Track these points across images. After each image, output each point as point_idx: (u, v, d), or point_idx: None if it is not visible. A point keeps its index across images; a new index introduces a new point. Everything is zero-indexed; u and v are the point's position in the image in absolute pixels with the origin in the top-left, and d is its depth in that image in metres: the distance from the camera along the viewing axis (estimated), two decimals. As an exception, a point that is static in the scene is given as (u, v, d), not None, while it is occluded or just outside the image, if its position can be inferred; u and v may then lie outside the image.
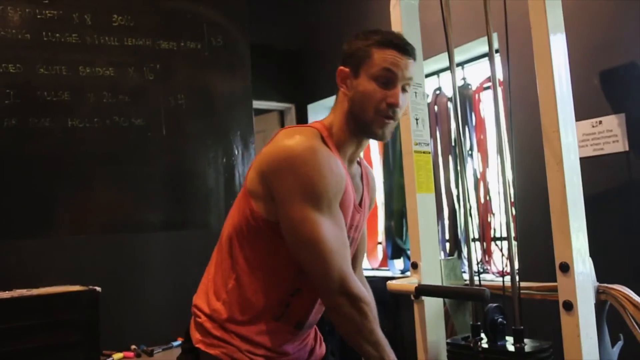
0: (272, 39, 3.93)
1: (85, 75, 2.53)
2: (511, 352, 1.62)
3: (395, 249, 3.30)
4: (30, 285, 2.27)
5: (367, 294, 1.26)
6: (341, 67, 1.35)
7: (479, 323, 1.79)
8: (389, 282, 1.86)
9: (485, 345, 1.69)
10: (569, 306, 1.50)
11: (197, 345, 1.32)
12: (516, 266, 1.73)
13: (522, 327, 1.63)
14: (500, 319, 1.68)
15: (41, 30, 2.44)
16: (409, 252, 3.00)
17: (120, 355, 2.33)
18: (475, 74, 3.05)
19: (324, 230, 1.21)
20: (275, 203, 1.24)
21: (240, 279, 1.30)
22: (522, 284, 1.79)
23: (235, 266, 1.31)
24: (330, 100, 3.89)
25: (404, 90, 1.32)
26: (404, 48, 1.31)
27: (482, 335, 1.77)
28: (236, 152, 2.90)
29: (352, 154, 1.38)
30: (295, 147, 1.22)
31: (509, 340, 1.68)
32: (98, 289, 2.27)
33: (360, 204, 1.40)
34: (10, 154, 2.38)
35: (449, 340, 1.84)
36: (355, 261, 1.54)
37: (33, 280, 2.29)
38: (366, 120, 1.30)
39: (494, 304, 1.71)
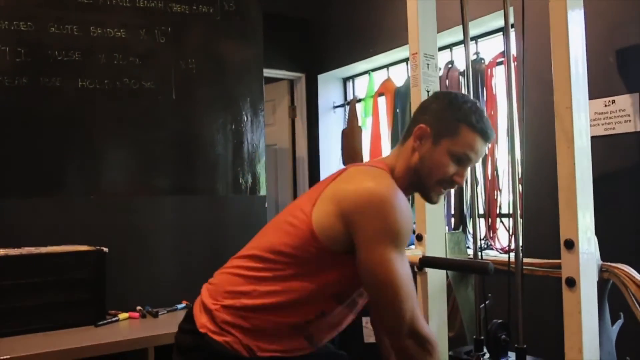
0: (285, 7, 3.88)
1: (97, 35, 2.51)
2: None
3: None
4: (38, 244, 2.30)
5: (433, 335, 1.31)
6: (423, 125, 1.37)
7: (482, 338, 1.81)
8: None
9: None
10: (572, 282, 1.51)
11: (202, 330, 1.32)
12: (520, 243, 1.73)
13: (525, 346, 1.65)
14: (503, 336, 1.70)
15: (53, -12, 2.43)
16: (414, 226, 3.00)
17: (125, 315, 2.37)
18: (489, 48, 3.01)
19: (402, 273, 1.25)
20: (355, 239, 1.26)
21: (278, 290, 1.31)
22: (526, 260, 1.80)
23: (275, 278, 1.31)
24: (340, 71, 3.88)
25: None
26: (489, 137, 1.36)
27: (485, 350, 1.78)
28: (245, 119, 2.89)
29: None
30: (381, 190, 1.26)
31: (511, 356, 1.70)
32: (105, 249, 2.30)
33: None
34: (21, 112, 2.39)
35: (451, 353, 1.86)
36: None
37: (42, 239, 2.32)
38: (427, 185, 1.37)
39: (498, 321, 1.72)
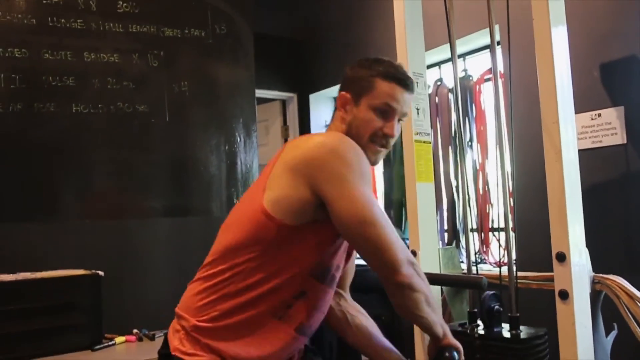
0: (276, 28, 3.93)
1: (90, 61, 2.54)
2: (507, 338, 1.65)
3: (395, 239, 3.31)
4: (34, 269, 2.29)
5: None
6: (342, 92, 1.40)
7: (475, 310, 1.82)
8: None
9: (481, 332, 1.72)
10: (565, 295, 1.52)
11: (174, 353, 1.29)
12: (514, 256, 1.75)
13: (518, 315, 1.67)
14: (496, 307, 1.71)
15: (46, 15, 2.46)
16: (408, 242, 3.02)
17: (122, 338, 2.36)
18: (477, 65, 3.06)
19: (378, 207, 1.26)
20: (323, 195, 1.24)
21: (250, 283, 1.29)
22: (519, 274, 1.82)
23: (243, 273, 1.29)
24: (332, 91, 3.92)
25: (398, 121, 1.39)
26: (405, 83, 1.37)
27: (479, 322, 1.80)
28: (238, 140, 2.92)
29: None
30: (331, 138, 1.29)
31: (505, 327, 1.72)
32: (101, 273, 2.30)
33: None
34: (16, 139, 2.40)
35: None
36: (346, 282, 1.59)
37: (37, 264, 2.32)
38: (360, 145, 1.34)
39: (491, 292, 1.74)
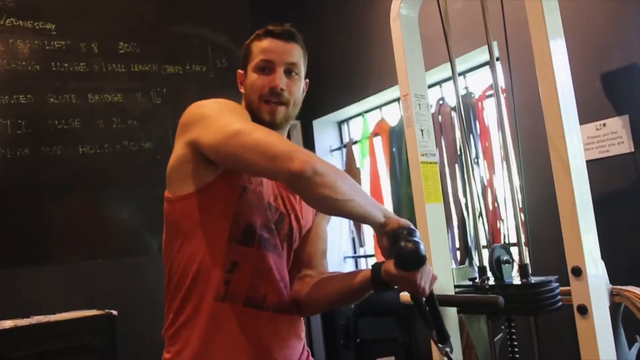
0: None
1: (94, 102, 2.58)
2: (517, 285, 1.63)
3: (407, 260, 3.29)
4: (47, 312, 2.29)
5: None
6: (238, 71, 1.43)
7: (485, 265, 1.80)
8: (401, 293, 1.87)
9: (492, 283, 1.70)
10: (584, 310, 1.50)
11: None
12: (529, 271, 1.73)
13: (527, 263, 1.65)
14: (506, 257, 1.69)
15: (50, 60, 2.50)
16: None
17: (138, 377, 2.34)
18: (478, 82, 3.07)
19: (247, 122, 1.23)
20: (193, 139, 1.25)
21: (177, 275, 1.30)
22: (536, 289, 1.79)
23: (172, 268, 1.32)
24: (335, 116, 3.94)
25: (290, 74, 1.37)
26: (278, 34, 1.36)
27: (489, 274, 1.78)
28: (245, 171, 2.93)
29: None
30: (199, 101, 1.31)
31: (516, 277, 1.69)
32: (114, 312, 2.29)
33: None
34: (24, 183, 2.43)
35: (457, 284, 1.85)
36: (311, 258, 1.46)
37: (50, 307, 2.32)
38: (255, 109, 1.34)
39: (499, 244, 1.72)
